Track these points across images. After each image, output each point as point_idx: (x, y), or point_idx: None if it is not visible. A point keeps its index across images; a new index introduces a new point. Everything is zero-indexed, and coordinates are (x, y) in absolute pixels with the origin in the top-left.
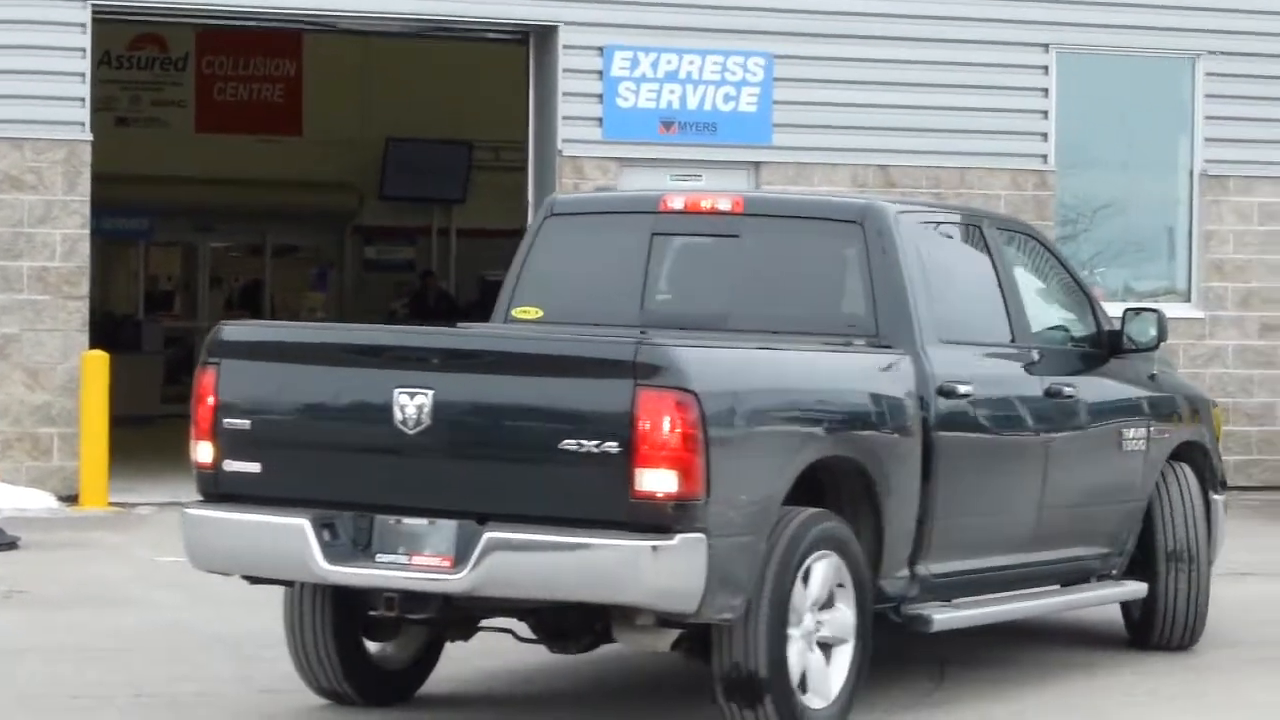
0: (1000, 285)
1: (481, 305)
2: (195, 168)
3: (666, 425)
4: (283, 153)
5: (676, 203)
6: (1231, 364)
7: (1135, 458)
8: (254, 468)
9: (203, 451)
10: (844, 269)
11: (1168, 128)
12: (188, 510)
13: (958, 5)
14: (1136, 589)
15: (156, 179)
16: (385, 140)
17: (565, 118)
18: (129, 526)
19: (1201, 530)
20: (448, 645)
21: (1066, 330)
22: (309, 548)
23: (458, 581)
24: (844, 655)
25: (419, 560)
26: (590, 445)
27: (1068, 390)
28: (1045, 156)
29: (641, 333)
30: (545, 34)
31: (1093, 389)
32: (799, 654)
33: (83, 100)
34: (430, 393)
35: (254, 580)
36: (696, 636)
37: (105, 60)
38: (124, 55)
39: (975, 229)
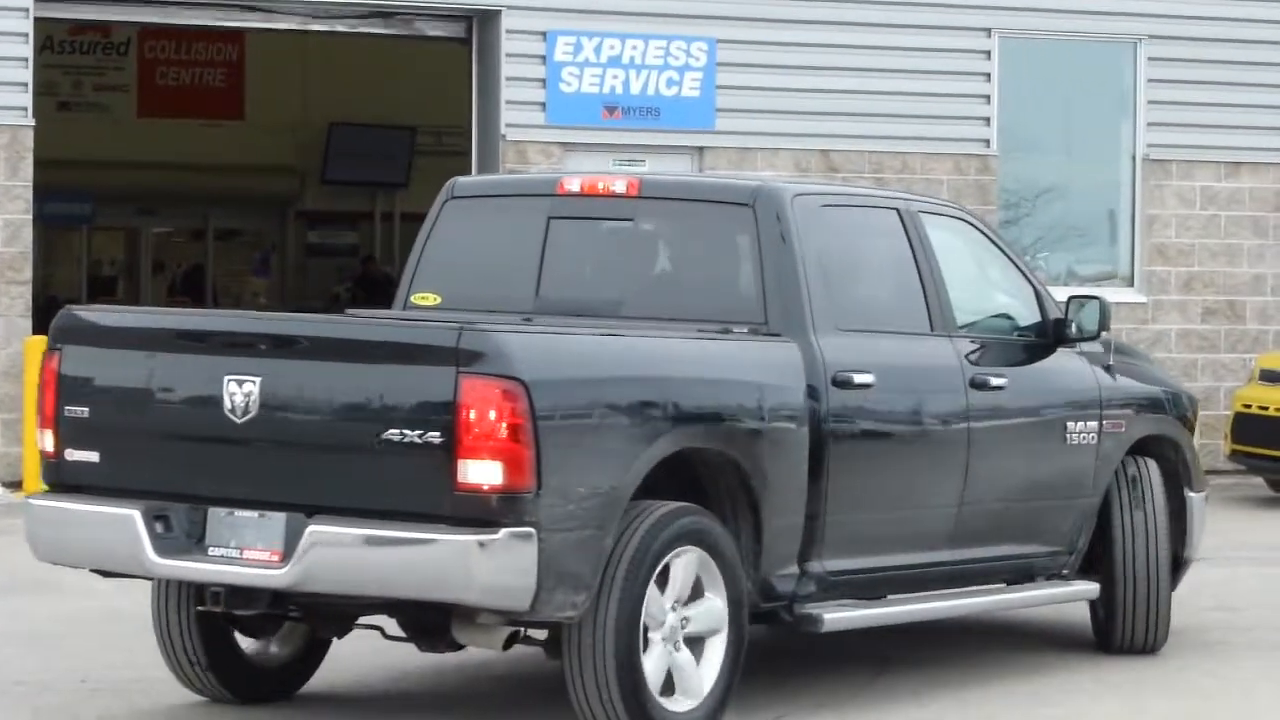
0: (920, 272)
1: None
2: (137, 152)
3: (492, 414)
4: (225, 137)
5: (573, 185)
6: (1175, 348)
7: (1083, 453)
8: (93, 457)
9: (46, 440)
10: (736, 253)
11: (1110, 112)
12: (31, 501)
13: None
14: (1085, 589)
15: (99, 164)
16: (327, 125)
17: (508, 102)
18: None
19: (1162, 528)
20: (354, 641)
21: (1011, 319)
22: (139, 540)
23: (281, 577)
24: (716, 650)
25: (250, 554)
26: (414, 435)
27: (995, 381)
28: (987, 141)
29: (526, 319)
30: (488, 18)
31: (1030, 380)
32: (660, 655)
33: (25, 85)
34: (258, 380)
35: (104, 574)
36: (553, 636)
37: (47, 45)
38: (66, 40)
39: (893, 213)
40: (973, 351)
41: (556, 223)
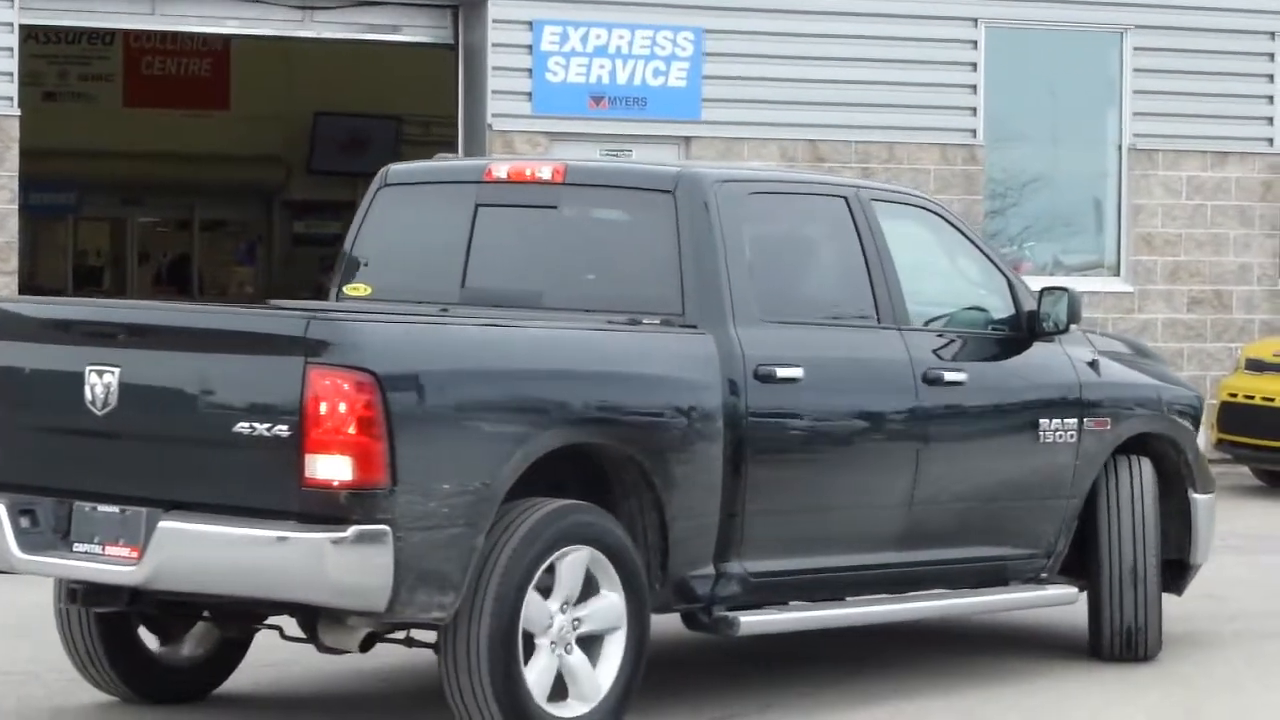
0: (867, 263)
1: None
2: (123, 142)
3: (341, 407)
4: (211, 127)
5: (501, 171)
6: (1161, 337)
7: (1060, 451)
8: None
9: None
10: (656, 242)
11: (1096, 102)
12: None
13: None
14: (1062, 594)
15: (84, 153)
16: (313, 114)
17: (494, 92)
18: None
19: (1151, 531)
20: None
21: (984, 312)
22: (3, 535)
23: (133, 574)
24: (615, 650)
25: (111, 551)
26: (263, 429)
27: (952, 376)
28: (974, 131)
29: (443, 310)
30: (474, 8)
31: (996, 376)
32: (547, 659)
33: (10, 75)
34: (117, 370)
35: None
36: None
37: (33, 35)
38: (52, 30)
39: (840, 201)
40: (928, 345)
41: (484, 210)
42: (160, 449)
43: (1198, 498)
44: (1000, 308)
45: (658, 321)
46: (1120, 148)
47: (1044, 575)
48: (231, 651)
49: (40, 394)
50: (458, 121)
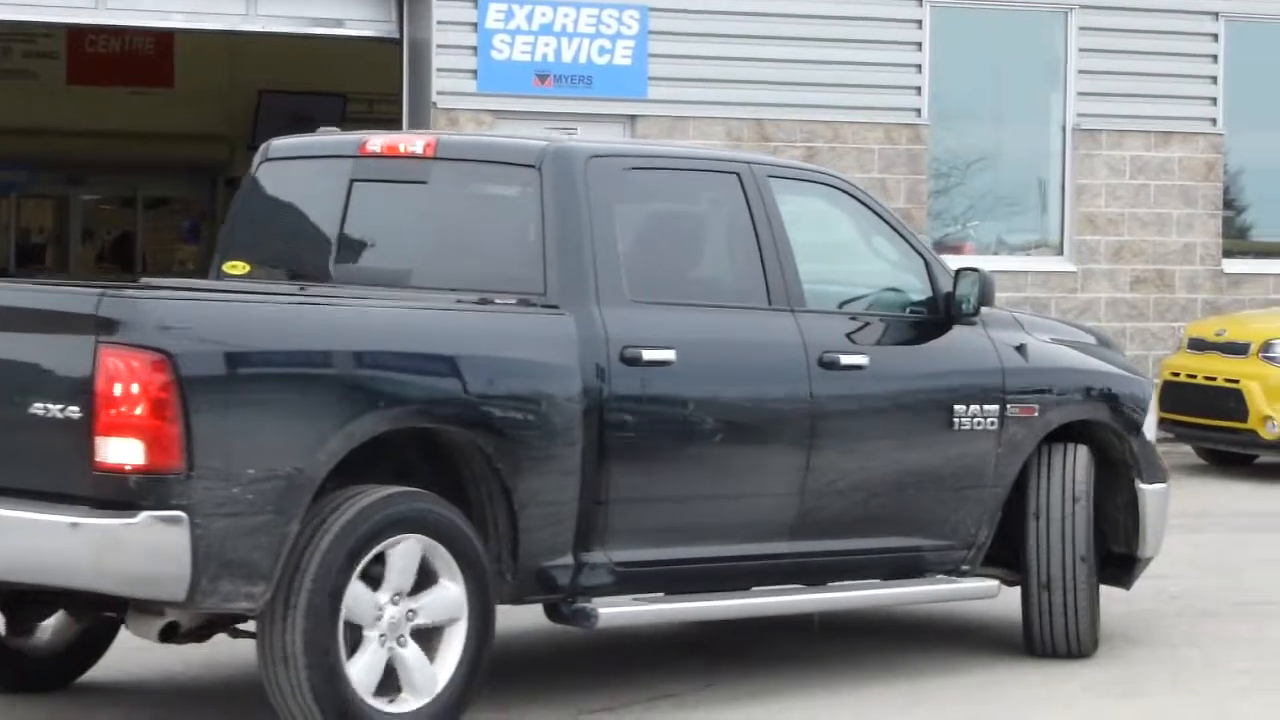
0: (759, 241)
1: None
2: (66, 120)
3: (133, 388)
4: (155, 105)
5: (375, 145)
6: (1104, 316)
7: (979, 439)
8: None
9: None
10: (522, 218)
11: (1040, 82)
12: None
13: None
14: (979, 587)
15: (27, 131)
16: (257, 92)
17: (439, 69)
18: None
19: (1081, 522)
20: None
21: (900, 294)
22: None
23: None
24: (455, 642)
25: None
26: (56, 410)
27: (850, 360)
28: (919, 110)
29: (301, 289)
30: None
31: (903, 360)
32: (375, 653)
33: None
34: None
35: None
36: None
37: None
38: None
39: (732, 178)
40: (826, 328)
41: (359, 185)
42: None
43: (1145, 488)
44: (919, 290)
45: (513, 301)
46: (1064, 127)
47: (965, 568)
48: (97, 640)
49: None
50: (402, 99)
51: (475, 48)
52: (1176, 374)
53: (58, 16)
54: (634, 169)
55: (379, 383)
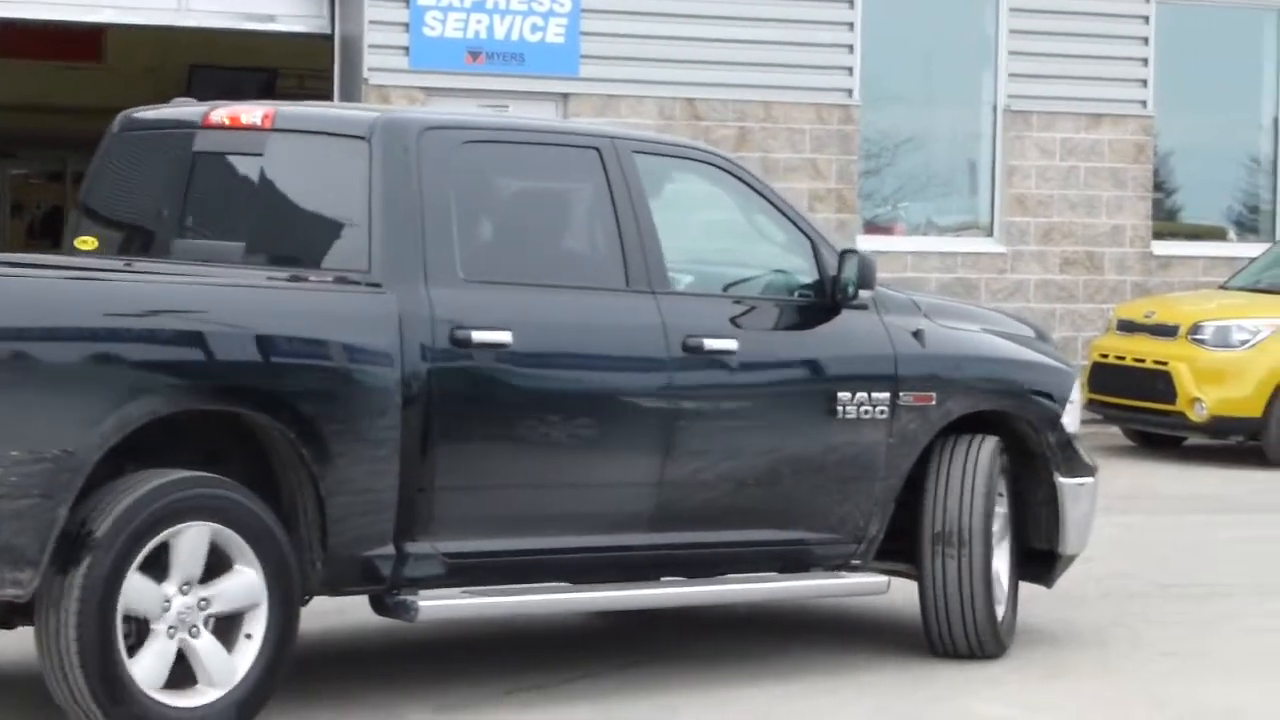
0: (618, 220)
1: None
2: None
3: None
4: (84, 79)
5: (218, 116)
6: (1033, 298)
7: (866, 428)
8: None
9: None
10: (350, 192)
11: (971, 62)
12: None
13: None
14: (866, 583)
15: None
16: (188, 67)
17: (371, 46)
18: None
19: (978, 517)
20: None
21: (787, 277)
22: None
23: None
24: (256, 631)
25: None
26: None
27: (716, 345)
28: (850, 91)
29: (127, 265)
30: None
31: (779, 344)
32: (163, 644)
33: None
34: None
35: None
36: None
37: None
38: None
39: (592, 153)
40: (693, 311)
41: (202, 158)
42: None
43: (1065, 482)
44: (806, 272)
45: (330, 279)
46: (995, 109)
47: (856, 562)
48: None
49: None
50: (334, 76)
51: (407, 24)
52: (1105, 356)
53: None
54: (475, 142)
55: (161, 363)
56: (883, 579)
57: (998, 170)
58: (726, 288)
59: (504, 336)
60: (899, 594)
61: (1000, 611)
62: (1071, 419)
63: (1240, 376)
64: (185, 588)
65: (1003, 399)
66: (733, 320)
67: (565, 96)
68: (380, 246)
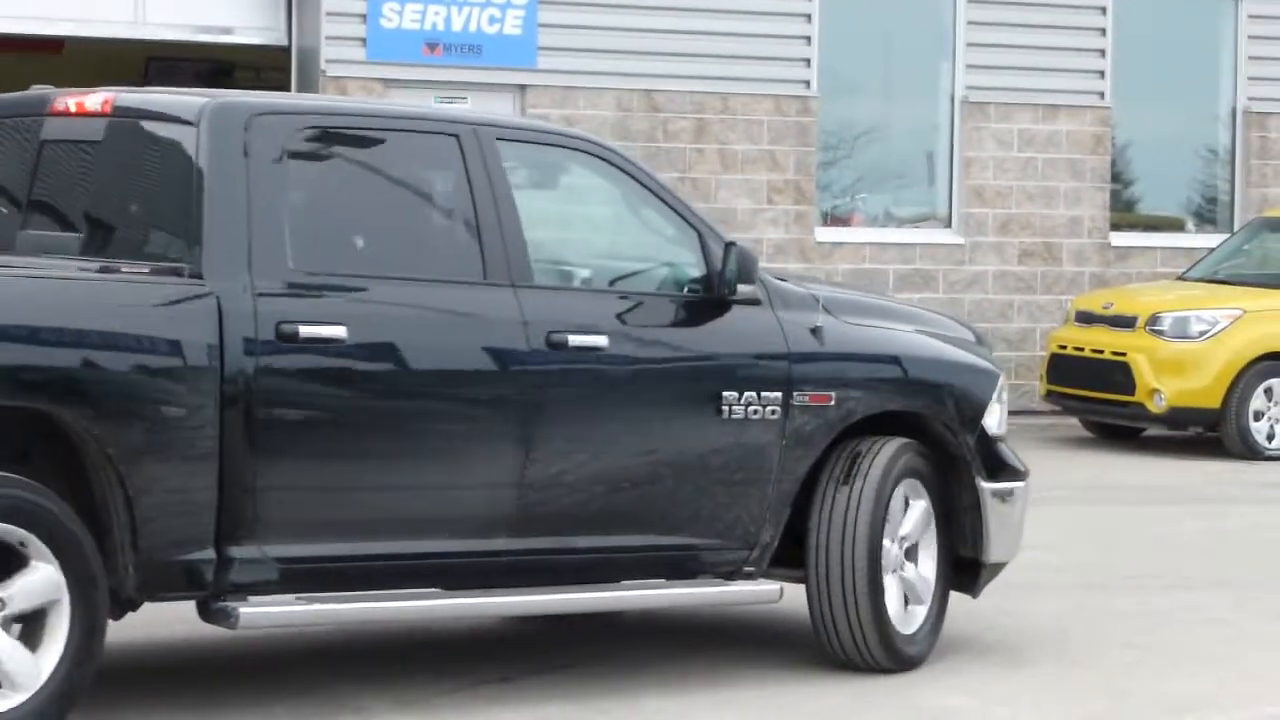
0: (476, 210)
1: None
2: None
3: None
4: (42, 72)
5: (65, 103)
6: (991, 290)
7: (756, 429)
8: None
9: None
10: (180, 180)
11: (930, 54)
12: None
13: None
14: (756, 591)
15: None
16: (145, 60)
17: (328, 38)
18: None
19: (864, 522)
20: None
21: (673, 270)
22: None
23: None
24: (59, 631)
25: None
26: None
27: (582, 340)
28: (808, 82)
29: None
30: None
31: (655, 341)
32: None
33: None
34: None
35: None
36: None
37: None
38: None
39: (450, 140)
40: (558, 306)
41: (48, 147)
42: None
43: (987, 487)
44: (695, 266)
45: (147, 270)
46: (953, 100)
47: (749, 569)
48: None
49: None
50: (291, 67)
51: (364, 15)
52: (1064, 347)
53: None
54: (313, 128)
55: None
56: (775, 587)
57: (955, 161)
58: (613, 282)
59: (337, 331)
60: None
61: (919, 622)
62: (995, 421)
63: (1199, 368)
64: None
65: (912, 399)
66: (605, 315)
67: (523, 88)
68: (205, 237)
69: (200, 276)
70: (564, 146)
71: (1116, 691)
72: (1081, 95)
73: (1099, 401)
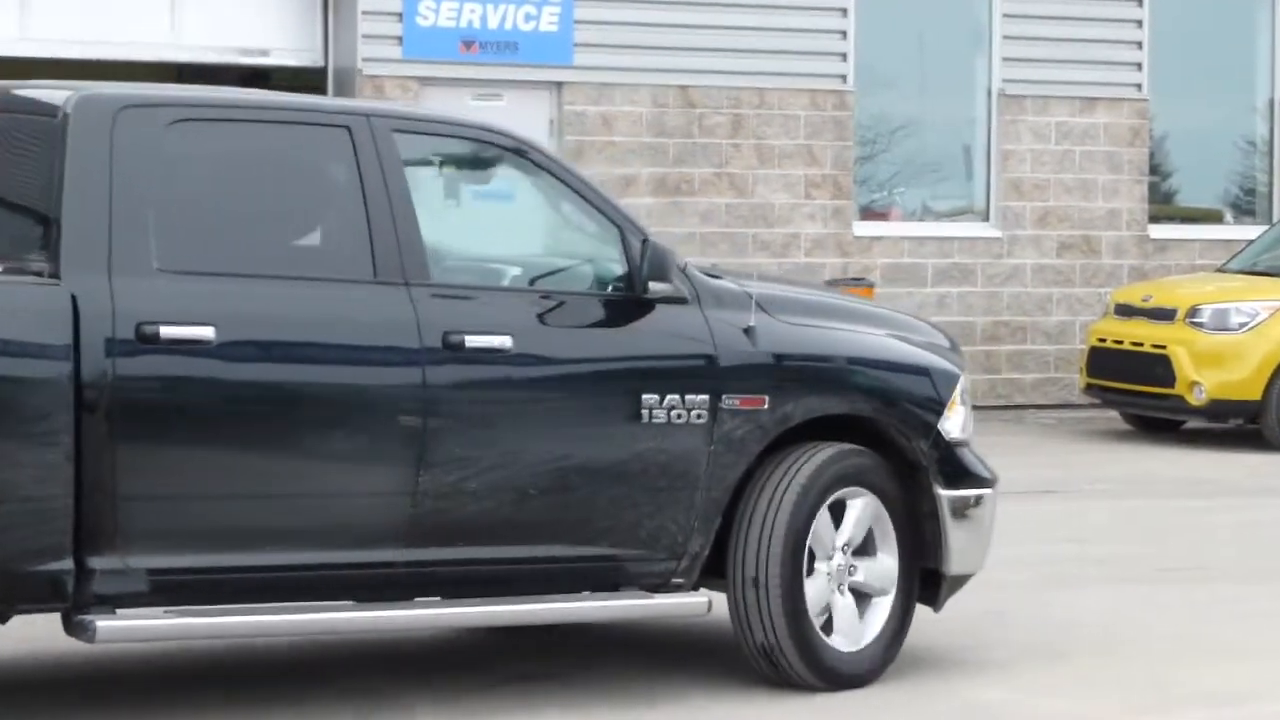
0: (366, 205)
1: None
2: None
3: None
4: (86, 72)
5: None
6: (1030, 283)
7: (681, 434)
8: None
9: None
10: (42, 176)
11: (966, 47)
12: None
13: None
14: (683, 603)
15: None
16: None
17: (365, 36)
18: None
19: (780, 534)
20: None
21: (592, 268)
22: None
23: None
24: None
25: None
26: None
27: (482, 341)
28: (844, 77)
29: None
30: None
31: (566, 341)
32: None
33: None
34: None
35: None
36: None
37: None
38: None
39: (341, 132)
40: (457, 306)
41: None
42: None
43: (944, 494)
44: (617, 263)
45: (0, 270)
46: (990, 93)
47: (678, 580)
48: None
49: None
50: (327, 66)
51: (400, 14)
52: (1103, 340)
53: None
54: (186, 121)
55: None
56: (703, 600)
57: (993, 155)
58: (533, 281)
59: (204, 331)
60: None
61: (869, 637)
62: (957, 425)
63: (1239, 359)
64: None
65: (856, 402)
66: (511, 315)
67: (559, 85)
68: (62, 234)
69: (55, 276)
70: (470, 139)
71: (1160, 683)
72: (1119, 88)
73: (1139, 394)
